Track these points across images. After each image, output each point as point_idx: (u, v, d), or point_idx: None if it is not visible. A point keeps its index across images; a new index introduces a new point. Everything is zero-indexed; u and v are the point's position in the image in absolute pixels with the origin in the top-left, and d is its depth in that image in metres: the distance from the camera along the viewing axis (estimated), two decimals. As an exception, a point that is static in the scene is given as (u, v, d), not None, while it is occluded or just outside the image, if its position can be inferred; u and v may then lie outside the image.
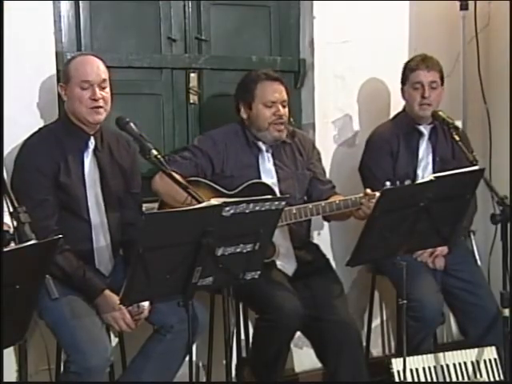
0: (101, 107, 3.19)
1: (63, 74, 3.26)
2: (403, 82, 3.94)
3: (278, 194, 3.51)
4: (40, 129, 3.30)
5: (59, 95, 3.42)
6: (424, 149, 3.94)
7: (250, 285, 2.89)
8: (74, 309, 3.07)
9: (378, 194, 3.33)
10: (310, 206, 3.51)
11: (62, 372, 3.12)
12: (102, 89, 3.20)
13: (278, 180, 3.63)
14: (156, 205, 3.55)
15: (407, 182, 3.30)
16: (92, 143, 3.26)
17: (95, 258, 3.25)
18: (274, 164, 3.65)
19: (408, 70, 3.91)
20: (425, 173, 3.88)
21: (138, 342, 3.32)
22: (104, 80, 3.20)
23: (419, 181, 3.20)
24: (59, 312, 3.03)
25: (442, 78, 3.91)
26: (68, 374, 3.03)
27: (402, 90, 3.96)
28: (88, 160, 3.25)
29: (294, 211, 3.48)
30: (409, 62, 3.95)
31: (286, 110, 3.61)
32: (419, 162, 3.93)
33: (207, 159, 3.58)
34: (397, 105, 4.09)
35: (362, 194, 3.46)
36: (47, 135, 3.24)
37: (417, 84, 3.86)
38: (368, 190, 3.45)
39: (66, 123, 3.25)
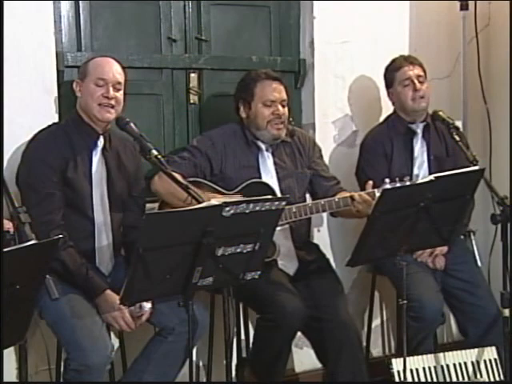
0: (112, 107, 3.20)
1: (81, 71, 3.28)
2: (390, 84, 3.96)
3: (278, 193, 3.52)
4: (49, 125, 3.31)
5: (59, 95, 3.43)
6: (419, 147, 3.95)
7: (251, 284, 2.90)
8: (74, 307, 3.07)
9: (376, 191, 3.36)
10: (310, 204, 3.52)
11: (62, 370, 3.12)
12: (117, 90, 3.22)
13: (278, 179, 3.63)
14: (156, 205, 3.55)
15: (406, 179, 3.31)
16: (101, 142, 3.27)
17: (96, 257, 3.26)
18: (274, 163, 3.65)
19: (392, 70, 3.94)
20: (421, 171, 3.88)
21: (138, 343, 3.32)
22: (119, 83, 3.23)
23: (419, 181, 3.20)
24: (59, 310, 3.03)
25: (425, 73, 3.93)
26: (68, 371, 3.03)
27: (389, 92, 3.97)
28: (96, 158, 3.26)
29: (294, 210, 3.47)
30: (390, 64, 3.97)
31: (286, 109, 3.62)
32: (414, 160, 3.93)
33: (206, 159, 3.58)
34: (397, 105, 4.09)
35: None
36: (57, 131, 3.25)
37: (406, 80, 3.89)
38: (370, 182, 3.45)
39: (77, 121, 3.26)
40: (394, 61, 3.96)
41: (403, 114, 3.95)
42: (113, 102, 3.20)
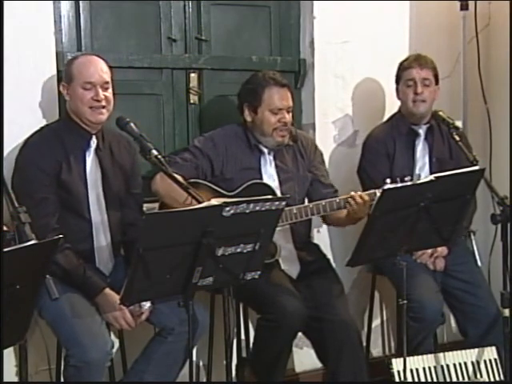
0: (103, 107, 3.19)
1: (65, 74, 3.26)
2: (397, 81, 3.96)
3: (279, 195, 3.51)
4: (41, 128, 3.30)
5: (59, 95, 3.43)
6: (420, 149, 3.95)
7: (252, 285, 2.90)
8: (74, 307, 3.07)
9: (377, 192, 3.35)
10: (311, 205, 3.51)
11: (62, 367, 3.12)
12: (105, 89, 3.20)
13: (280, 182, 3.62)
14: (156, 205, 3.55)
15: (407, 179, 3.30)
16: (94, 142, 3.26)
17: (95, 257, 3.26)
18: (276, 166, 3.64)
19: (402, 68, 3.93)
20: (422, 173, 3.87)
21: (138, 343, 3.32)
22: (106, 82, 3.21)
23: (419, 181, 3.20)
24: (59, 309, 3.02)
25: (435, 77, 3.92)
26: (68, 368, 3.03)
27: (397, 89, 3.97)
28: (90, 159, 3.25)
29: (295, 211, 3.47)
30: (403, 61, 3.96)
31: (291, 115, 3.60)
32: (416, 162, 3.93)
33: (207, 160, 3.57)
34: (396, 105, 4.09)
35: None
36: (49, 134, 3.24)
37: (410, 81, 3.88)
38: (352, 193, 3.44)
39: (68, 122, 3.26)
40: (406, 59, 3.96)
41: (406, 113, 3.95)
42: (103, 102, 3.19)
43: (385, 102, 4.27)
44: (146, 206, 3.51)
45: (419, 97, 3.86)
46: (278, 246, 3.49)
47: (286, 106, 3.56)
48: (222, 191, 3.52)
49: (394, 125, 3.99)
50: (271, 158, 3.64)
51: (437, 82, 3.93)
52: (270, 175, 3.62)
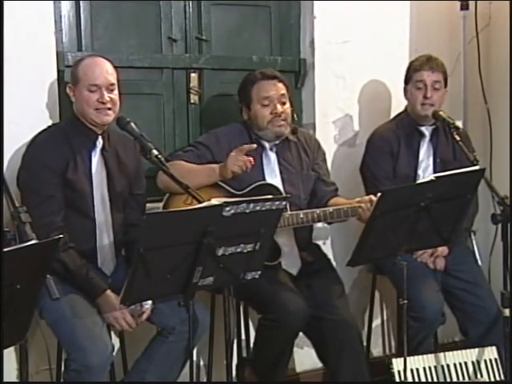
0: (109, 109, 3.19)
1: (72, 76, 3.26)
2: (406, 81, 3.94)
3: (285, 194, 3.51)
4: (49, 126, 3.31)
5: (60, 95, 3.43)
6: (425, 150, 3.94)
7: (253, 284, 2.90)
8: (75, 308, 3.07)
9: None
10: (318, 211, 3.49)
11: (63, 371, 3.13)
12: (111, 91, 3.20)
13: (282, 180, 3.63)
14: (158, 204, 3.54)
15: None
16: (100, 143, 3.26)
17: (98, 257, 3.26)
18: (279, 163, 3.65)
19: (412, 69, 3.91)
20: (425, 174, 3.87)
21: (138, 342, 3.33)
22: (112, 84, 3.21)
23: (420, 181, 3.19)
24: (60, 311, 3.03)
25: (445, 80, 3.90)
26: (68, 372, 3.03)
27: (405, 89, 3.96)
28: (95, 159, 3.26)
29: (302, 216, 3.47)
30: (413, 61, 3.94)
31: (286, 107, 3.60)
32: (420, 163, 3.92)
33: (210, 154, 3.59)
34: (397, 105, 4.10)
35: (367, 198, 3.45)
36: (56, 133, 3.25)
37: (420, 83, 3.86)
38: (373, 197, 3.43)
39: (75, 122, 3.26)
40: (417, 59, 3.93)
41: (412, 114, 3.94)
42: (109, 104, 3.19)
43: (385, 101, 4.27)
44: (147, 206, 3.51)
45: (428, 101, 3.84)
46: (281, 249, 3.49)
47: (274, 94, 3.57)
48: (232, 190, 3.53)
49: (400, 124, 3.97)
50: (274, 154, 3.65)
51: (446, 85, 3.91)
52: (272, 172, 3.62)
